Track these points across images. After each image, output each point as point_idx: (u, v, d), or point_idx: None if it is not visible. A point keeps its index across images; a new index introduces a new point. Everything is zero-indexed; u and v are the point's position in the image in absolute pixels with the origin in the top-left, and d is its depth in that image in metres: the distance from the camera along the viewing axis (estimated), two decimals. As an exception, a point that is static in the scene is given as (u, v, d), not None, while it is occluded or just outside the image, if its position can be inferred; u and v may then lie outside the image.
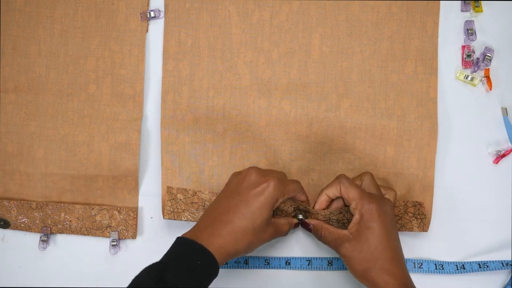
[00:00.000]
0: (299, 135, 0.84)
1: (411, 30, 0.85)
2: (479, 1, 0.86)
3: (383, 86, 0.84)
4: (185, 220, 0.82)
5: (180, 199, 0.83)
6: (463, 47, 0.85)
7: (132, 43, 0.85)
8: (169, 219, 0.82)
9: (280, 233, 0.77)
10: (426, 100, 0.84)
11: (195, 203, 0.82)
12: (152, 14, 0.85)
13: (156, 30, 0.86)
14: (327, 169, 0.84)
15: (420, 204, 0.82)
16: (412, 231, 0.82)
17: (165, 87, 0.84)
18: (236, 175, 0.77)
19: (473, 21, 0.85)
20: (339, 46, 0.85)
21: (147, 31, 0.86)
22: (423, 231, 0.82)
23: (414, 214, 0.82)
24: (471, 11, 0.86)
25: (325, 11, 0.85)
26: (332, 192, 0.76)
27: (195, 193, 0.83)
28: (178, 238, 0.71)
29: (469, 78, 0.85)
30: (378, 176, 0.84)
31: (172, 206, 0.82)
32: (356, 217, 0.73)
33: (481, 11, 0.86)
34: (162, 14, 0.86)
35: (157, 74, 0.86)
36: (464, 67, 0.85)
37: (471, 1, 0.85)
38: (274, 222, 0.75)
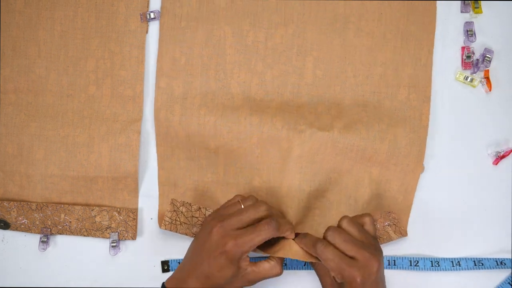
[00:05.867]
0: (291, 153, 0.82)
1: (405, 57, 0.84)
2: (479, 2, 0.86)
3: (376, 111, 0.84)
4: (182, 234, 0.83)
5: (182, 212, 0.83)
6: (463, 48, 0.85)
7: (132, 44, 0.85)
8: (165, 229, 0.83)
9: (270, 275, 0.75)
10: (418, 127, 0.83)
11: (196, 217, 0.83)
12: (152, 15, 0.85)
13: (156, 31, 0.86)
14: (316, 190, 0.83)
15: (389, 212, 0.82)
16: (391, 240, 0.82)
17: (157, 104, 0.84)
18: (206, 224, 0.76)
19: (473, 22, 0.85)
20: (332, 70, 0.85)
21: (147, 32, 0.86)
22: (402, 235, 0.82)
23: (387, 223, 0.82)
24: (471, 12, 0.86)
25: (320, 35, 0.85)
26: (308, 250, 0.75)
27: (199, 208, 0.83)
28: (162, 284, 0.76)
29: (468, 79, 0.85)
30: (363, 197, 0.83)
31: (171, 218, 0.83)
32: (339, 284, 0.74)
33: (481, 12, 0.86)
34: (162, 15, 0.86)
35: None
36: (463, 68, 0.85)
37: (470, 2, 0.85)
38: (253, 271, 0.75)
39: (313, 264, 0.80)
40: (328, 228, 0.74)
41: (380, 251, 0.74)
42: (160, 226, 0.83)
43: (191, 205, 0.84)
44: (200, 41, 0.85)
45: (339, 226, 0.75)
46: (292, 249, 0.76)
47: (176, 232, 0.83)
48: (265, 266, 0.75)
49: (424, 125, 0.83)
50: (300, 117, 0.83)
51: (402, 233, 0.82)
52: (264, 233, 0.73)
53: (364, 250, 0.71)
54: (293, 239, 0.77)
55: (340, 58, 0.85)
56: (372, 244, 0.73)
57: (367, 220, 0.76)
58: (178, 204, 0.84)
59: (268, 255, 0.76)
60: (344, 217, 0.75)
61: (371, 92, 0.84)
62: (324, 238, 0.74)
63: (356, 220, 0.76)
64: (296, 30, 0.85)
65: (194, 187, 0.84)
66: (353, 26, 0.84)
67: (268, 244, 0.77)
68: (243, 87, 0.84)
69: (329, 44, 0.85)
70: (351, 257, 0.72)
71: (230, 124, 0.82)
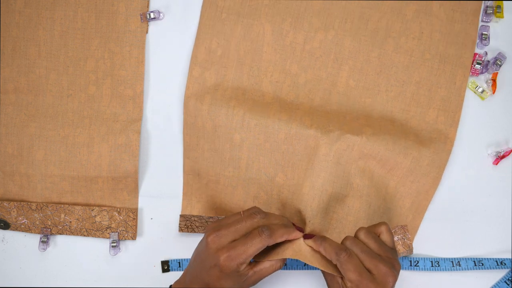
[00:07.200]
0: (317, 151, 0.81)
1: (440, 79, 0.84)
2: (501, 7, 0.84)
3: (403, 127, 0.83)
4: (201, 233, 0.84)
5: (195, 220, 0.84)
6: (475, 54, 0.84)
7: (132, 44, 0.85)
8: (183, 232, 0.84)
9: (271, 272, 0.75)
10: (441, 150, 0.82)
11: (211, 221, 0.84)
12: (152, 15, 0.85)
13: (156, 31, 0.86)
14: (337, 192, 0.82)
15: (401, 226, 0.82)
16: (399, 255, 0.81)
17: (188, 92, 0.84)
18: (205, 231, 0.75)
19: (488, 26, 0.85)
20: (366, 82, 0.84)
21: (147, 32, 0.86)
22: (409, 249, 0.81)
23: (397, 238, 0.82)
24: (493, 16, 0.85)
25: (359, 45, 0.84)
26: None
27: (211, 217, 0.84)
28: (170, 286, 0.76)
29: (480, 90, 0.84)
30: (380, 208, 0.83)
31: (186, 225, 0.84)
32: None
33: (502, 17, 0.85)
34: (162, 16, 0.86)
35: (157, 75, 0.86)
36: (471, 74, 0.85)
37: (493, 10, 0.84)
38: (254, 273, 0.74)
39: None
40: (346, 238, 0.73)
41: (397, 266, 0.72)
42: (178, 230, 0.84)
43: (202, 216, 0.84)
44: (239, 34, 0.84)
45: (356, 237, 0.73)
46: (301, 251, 0.74)
47: (194, 232, 0.84)
48: (266, 264, 0.75)
49: (448, 149, 0.82)
50: (329, 120, 0.82)
51: (409, 246, 0.81)
52: (256, 243, 0.72)
53: (382, 265, 0.70)
54: (302, 237, 0.75)
55: (375, 71, 0.84)
56: (389, 257, 0.72)
57: (383, 229, 0.74)
58: (189, 216, 0.84)
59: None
60: (361, 228, 0.74)
61: (400, 109, 0.84)
62: None
63: (373, 230, 0.74)
64: (335, 36, 0.84)
65: (216, 179, 0.84)
66: (392, 41, 0.84)
67: (274, 246, 0.75)
68: (274, 87, 0.84)
69: (367, 55, 0.84)
70: (367, 269, 0.71)
71: (259, 117, 0.82)
